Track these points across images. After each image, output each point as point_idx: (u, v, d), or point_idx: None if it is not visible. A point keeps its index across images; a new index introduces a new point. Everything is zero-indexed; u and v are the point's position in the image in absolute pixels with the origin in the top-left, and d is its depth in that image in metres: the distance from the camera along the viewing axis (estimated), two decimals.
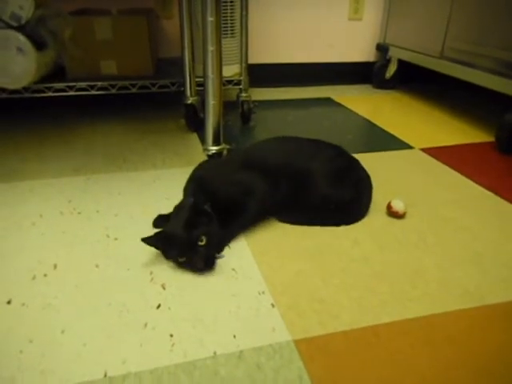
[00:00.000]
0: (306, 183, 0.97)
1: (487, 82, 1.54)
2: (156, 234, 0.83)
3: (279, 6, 2.10)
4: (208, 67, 0.98)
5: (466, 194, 1.16)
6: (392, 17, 2.15)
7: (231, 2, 1.54)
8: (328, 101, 2.03)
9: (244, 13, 1.54)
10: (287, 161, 0.99)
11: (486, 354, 0.66)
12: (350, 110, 1.88)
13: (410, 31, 2.02)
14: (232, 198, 0.91)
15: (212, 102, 1.01)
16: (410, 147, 1.47)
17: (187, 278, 0.80)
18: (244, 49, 1.59)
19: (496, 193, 1.15)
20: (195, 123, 1.52)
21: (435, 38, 1.81)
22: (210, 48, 0.95)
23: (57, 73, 1.51)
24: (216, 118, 1.04)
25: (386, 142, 1.52)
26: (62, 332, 0.68)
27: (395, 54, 2.13)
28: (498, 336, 0.69)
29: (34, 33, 1.36)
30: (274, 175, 0.96)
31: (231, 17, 1.56)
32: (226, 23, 1.56)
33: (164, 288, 0.77)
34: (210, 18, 0.93)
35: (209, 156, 1.09)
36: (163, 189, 1.14)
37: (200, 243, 0.80)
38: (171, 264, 0.84)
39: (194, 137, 1.51)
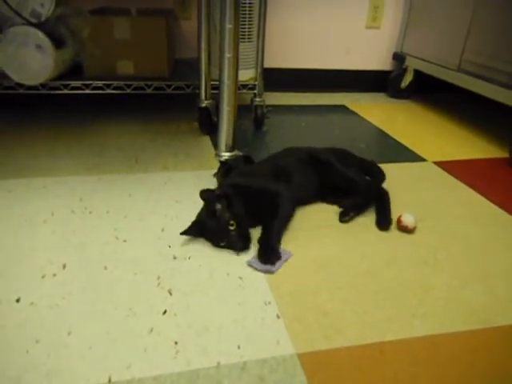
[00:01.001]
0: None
1: (503, 97, 1.52)
2: (191, 225, 0.92)
3: (297, 11, 2.10)
4: (224, 73, 0.98)
5: (477, 210, 1.15)
6: (410, 26, 2.13)
7: (250, 7, 1.54)
8: (342, 108, 2.03)
9: (262, 18, 1.54)
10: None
11: (490, 376, 0.65)
12: (364, 119, 1.87)
13: (427, 42, 2.01)
14: (263, 187, 0.98)
15: (227, 109, 1.02)
16: (422, 159, 1.46)
17: (194, 284, 0.81)
18: (260, 54, 1.59)
19: (507, 210, 1.14)
20: (208, 127, 1.52)
21: (453, 51, 1.80)
22: (227, 55, 0.96)
23: (74, 71, 1.52)
24: (230, 124, 1.04)
25: (398, 153, 1.51)
26: (69, 334, 0.68)
27: (412, 63, 2.12)
28: (503, 359, 0.69)
29: (54, 30, 1.37)
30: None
31: (249, 21, 1.56)
32: (244, 28, 1.56)
33: (171, 294, 0.78)
34: (229, 26, 0.93)
35: (221, 162, 1.09)
36: (174, 191, 1.15)
37: (231, 228, 0.88)
38: (179, 269, 0.85)
39: (207, 140, 1.52)
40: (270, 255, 0.87)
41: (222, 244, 0.90)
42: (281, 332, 0.71)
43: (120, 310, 0.73)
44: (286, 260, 0.89)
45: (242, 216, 0.91)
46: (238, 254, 0.90)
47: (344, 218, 1.03)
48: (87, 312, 0.73)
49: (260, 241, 0.91)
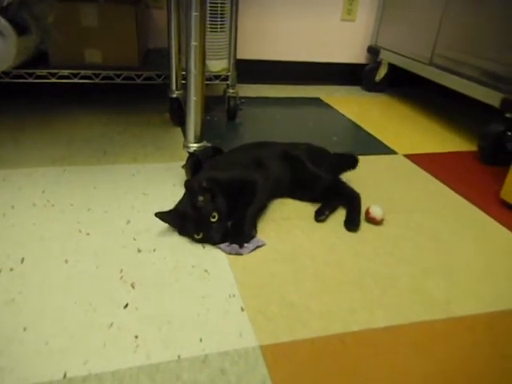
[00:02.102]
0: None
1: (472, 91, 1.55)
2: (169, 211, 0.90)
3: (272, 3, 2.08)
4: (191, 63, 0.96)
5: (444, 203, 1.17)
6: (385, 20, 2.14)
7: None
8: (316, 101, 2.03)
9: (234, 8, 1.52)
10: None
11: (450, 366, 0.66)
12: (338, 112, 1.87)
13: (401, 36, 2.02)
14: (241, 178, 0.97)
15: (194, 99, 1.00)
16: (393, 152, 1.48)
17: (158, 277, 0.79)
18: (233, 44, 1.57)
19: (474, 203, 1.16)
20: (180, 118, 1.50)
21: (425, 45, 1.82)
22: (194, 43, 0.94)
23: (40, 59, 1.47)
24: (198, 115, 1.02)
25: (370, 145, 1.52)
26: (24, 329, 0.66)
27: (386, 57, 2.13)
28: (463, 349, 0.70)
29: (16, 16, 1.32)
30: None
31: (221, 11, 1.54)
32: (216, 17, 1.54)
33: (133, 287, 0.76)
34: (195, 13, 0.91)
35: (190, 153, 1.07)
36: (141, 184, 1.12)
37: (213, 220, 0.86)
38: (143, 261, 0.83)
39: (178, 131, 1.50)
40: (239, 234, 0.89)
41: (198, 237, 0.88)
42: (244, 324, 0.70)
43: (79, 305, 0.71)
44: (258, 247, 0.89)
45: (224, 211, 0.89)
46: (204, 248, 0.89)
47: (320, 217, 1.01)
48: (45, 307, 0.70)
49: (232, 222, 0.91)
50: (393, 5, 2.09)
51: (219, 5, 1.52)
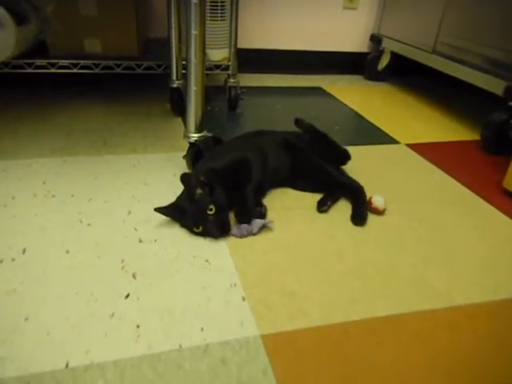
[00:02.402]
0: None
1: (475, 79, 1.53)
2: (169, 205, 0.90)
3: None
4: (191, 52, 0.95)
5: (446, 192, 1.16)
6: (387, 8, 2.12)
7: None
8: (318, 90, 2.01)
9: None
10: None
11: (451, 354, 0.66)
12: (340, 101, 1.86)
13: (404, 23, 2.00)
14: (234, 160, 0.97)
15: (194, 89, 0.99)
16: (395, 142, 1.47)
17: (159, 267, 0.79)
18: (234, 33, 1.55)
19: (477, 193, 1.16)
20: (180, 108, 1.49)
21: (428, 33, 1.79)
22: (194, 32, 0.92)
23: (39, 49, 1.46)
24: (198, 104, 1.01)
25: (372, 135, 1.51)
26: (26, 319, 0.66)
27: (388, 45, 2.11)
28: (463, 337, 0.70)
29: (15, 6, 1.31)
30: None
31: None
32: (217, 6, 1.52)
33: (134, 277, 0.76)
34: (194, 1, 0.89)
35: (190, 144, 1.07)
36: (142, 174, 1.12)
37: (210, 212, 0.85)
38: (144, 252, 0.83)
39: (179, 121, 1.49)
40: (244, 212, 0.91)
41: (198, 230, 0.87)
42: (245, 314, 0.70)
43: (81, 295, 0.72)
44: (266, 225, 0.91)
45: (223, 203, 0.88)
46: (205, 238, 0.88)
47: (322, 207, 1.01)
48: (46, 297, 0.71)
49: (237, 204, 0.93)
50: None
51: None
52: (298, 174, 1.08)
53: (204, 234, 0.88)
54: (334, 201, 1.04)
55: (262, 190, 1.04)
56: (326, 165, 1.07)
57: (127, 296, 0.72)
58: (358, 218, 0.99)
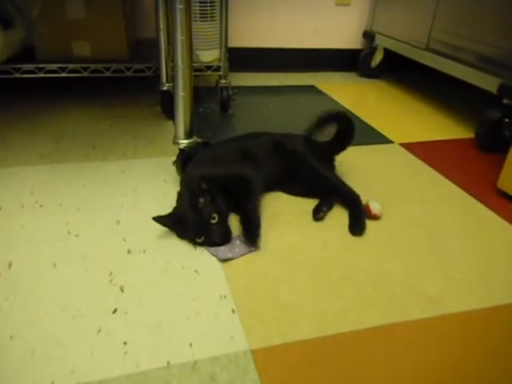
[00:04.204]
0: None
1: (469, 76, 1.52)
2: (168, 215, 0.87)
3: None
4: (178, 57, 0.93)
5: (440, 193, 1.15)
6: (380, 4, 2.09)
7: None
8: (311, 89, 1.99)
9: None
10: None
11: (445, 365, 0.66)
12: (333, 100, 1.84)
13: (397, 20, 1.98)
14: (234, 175, 0.96)
15: (182, 94, 0.97)
16: (389, 142, 1.45)
17: (148, 279, 0.78)
18: (224, 33, 1.53)
19: (471, 193, 1.14)
20: (171, 111, 1.46)
21: (421, 29, 1.77)
22: (180, 37, 0.91)
23: (26, 54, 1.43)
24: (187, 110, 1.00)
25: (365, 135, 1.50)
26: (11, 338, 0.65)
27: (381, 42, 2.09)
28: (457, 347, 0.69)
29: (0, 10, 1.28)
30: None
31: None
32: (206, 6, 1.50)
33: (122, 290, 0.75)
34: (180, 6, 0.88)
35: (180, 150, 1.05)
36: (131, 180, 1.10)
37: (213, 221, 0.84)
38: (132, 263, 0.82)
39: (170, 124, 1.47)
40: (253, 232, 0.88)
41: (200, 240, 0.85)
42: (235, 327, 0.69)
43: (67, 311, 0.70)
44: (249, 252, 0.87)
45: (225, 211, 0.88)
46: (195, 248, 0.87)
47: (318, 214, 0.98)
48: (32, 314, 0.69)
49: (243, 221, 0.91)
50: None
51: None
52: (291, 177, 1.06)
53: (205, 243, 0.86)
54: (329, 207, 1.02)
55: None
56: (322, 168, 1.05)
57: (115, 311, 0.71)
58: (357, 227, 0.97)
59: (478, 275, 0.85)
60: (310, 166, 1.05)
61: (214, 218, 0.84)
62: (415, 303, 0.76)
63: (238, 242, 0.87)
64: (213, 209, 0.85)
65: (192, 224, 0.84)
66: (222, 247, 0.85)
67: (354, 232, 0.96)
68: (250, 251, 0.86)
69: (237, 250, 0.85)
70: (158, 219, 0.87)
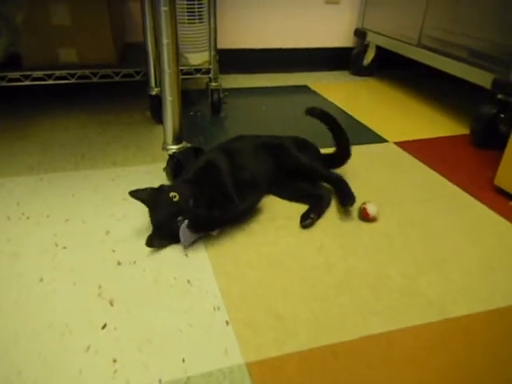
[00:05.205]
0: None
1: (462, 72, 1.50)
2: (151, 234, 0.86)
3: None
4: (164, 61, 0.91)
5: (436, 192, 1.13)
6: (370, 1, 2.07)
7: None
8: (304, 89, 1.97)
9: None
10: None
11: (447, 373, 0.63)
12: (326, 99, 1.82)
13: (387, 17, 1.96)
14: (200, 166, 0.94)
15: (170, 99, 0.95)
16: (383, 140, 1.43)
17: (138, 292, 0.75)
18: (213, 35, 1.50)
19: (467, 191, 1.13)
20: (161, 115, 1.44)
21: (413, 25, 1.76)
22: (165, 41, 0.88)
23: (11, 61, 1.40)
24: (175, 115, 0.97)
25: (359, 134, 1.48)
26: None
27: (373, 39, 2.07)
28: (459, 353, 0.67)
29: None
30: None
31: (199, 1, 1.47)
32: (194, 7, 1.47)
33: (112, 304, 0.72)
34: (164, 8, 0.85)
35: (170, 156, 1.03)
36: (121, 189, 1.07)
37: (175, 200, 0.84)
38: (122, 275, 0.79)
39: (160, 130, 1.42)
40: (226, 202, 0.87)
41: (179, 223, 0.83)
42: (229, 340, 0.67)
43: (55, 327, 0.68)
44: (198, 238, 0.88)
45: (184, 191, 0.86)
46: (185, 254, 0.85)
47: (305, 221, 0.95)
48: (18, 331, 0.67)
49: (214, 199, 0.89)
50: None
51: None
52: (282, 177, 1.04)
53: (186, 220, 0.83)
54: (319, 215, 0.98)
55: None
56: (303, 157, 1.05)
57: (104, 326, 0.68)
58: (347, 199, 0.98)
59: (478, 276, 0.83)
60: (291, 155, 1.05)
61: (174, 197, 0.84)
62: (415, 308, 0.74)
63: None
64: (166, 191, 0.86)
65: (164, 218, 0.84)
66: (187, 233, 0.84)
67: (346, 204, 0.98)
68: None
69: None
70: (151, 244, 0.85)
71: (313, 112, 1.14)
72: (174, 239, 0.85)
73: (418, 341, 0.68)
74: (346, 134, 1.12)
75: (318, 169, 1.05)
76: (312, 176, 1.05)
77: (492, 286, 0.81)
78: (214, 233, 0.90)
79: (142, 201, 0.89)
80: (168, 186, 0.89)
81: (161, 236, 0.86)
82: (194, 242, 0.88)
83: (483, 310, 0.75)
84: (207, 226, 0.87)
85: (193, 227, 0.84)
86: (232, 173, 0.93)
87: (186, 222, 0.83)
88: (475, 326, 0.71)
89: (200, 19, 1.49)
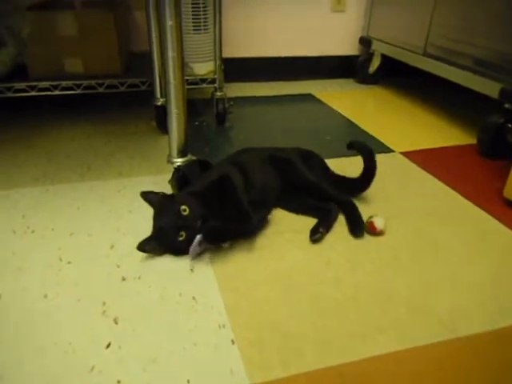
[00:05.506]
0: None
1: (469, 81, 1.49)
2: (148, 238, 0.86)
3: None
4: (169, 73, 0.91)
5: (444, 203, 1.12)
6: (376, 9, 2.07)
7: None
8: (309, 97, 1.96)
9: (217, 6, 1.45)
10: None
11: None
12: (331, 108, 1.81)
13: (393, 25, 1.95)
14: (213, 180, 0.92)
15: (175, 111, 0.94)
16: (389, 150, 1.42)
17: (143, 309, 0.75)
18: (218, 45, 1.51)
19: (476, 203, 1.11)
20: (166, 125, 1.44)
21: (418, 34, 1.75)
22: (171, 54, 0.88)
23: (18, 72, 1.41)
24: (181, 128, 0.97)
25: None
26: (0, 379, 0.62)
27: (378, 48, 2.06)
28: (471, 375, 0.65)
29: None
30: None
31: (204, 11, 1.47)
32: (199, 18, 1.47)
33: (116, 322, 0.72)
34: (170, 22, 0.85)
35: (175, 168, 1.02)
36: (127, 200, 1.07)
37: (184, 213, 0.83)
38: (127, 292, 0.78)
39: (165, 140, 1.41)
40: (240, 217, 0.86)
41: (182, 238, 0.83)
42: (235, 360, 0.66)
43: (59, 346, 0.67)
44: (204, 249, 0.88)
45: (193, 203, 0.85)
46: (190, 268, 0.84)
47: (315, 236, 0.94)
48: (21, 350, 0.66)
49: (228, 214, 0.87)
50: None
51: (201, 3, 1.45)
52: (288, 190, 1.03)
53: (188, 237, 0.83)
54: (328, 229, 0.97)
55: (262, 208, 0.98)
56: (310, 174, 1.04)
57: (108, 345, 0.67)
58: (358, 229, 0.97)
59: (488, 291, 0.82)
60: (298, 172, 1.04)
61: (184, 211, 0.83)
62: (424, 326, 0.73)
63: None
64: (179, 202, 0.85)
65: (167, 226, 0.84)
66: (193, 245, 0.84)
67: (356, 234, 0.96)
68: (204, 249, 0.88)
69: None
70: (142, 248, 0.85)
71: (353, 146, 1.12)
72: (169, 250, 0.87)
73: (427, 361, 0.67)
74: (375, 169, 1.09)
75: (327, 189, 1.03)
76: (320, 195, 1.03)
77: (503, 301, 0.79)
78: (226, 245, 0.89)
79: (151, 203, 0.90)
80: (181, 197, 0.89)
81: (157, 243, 0.86)
82: (199, 254, 0.87)
83: (494, 327, 0.73)
84: (220, 237, 0.87)
85: (206, 239, 0.83)
86: (246, 188, 0.92)
87: (200, 235, 0.83)
88: (487, 346, 0.70)
89: (205, 29, 1.49)
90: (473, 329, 0.73)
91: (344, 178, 1.12)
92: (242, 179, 0.94)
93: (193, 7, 1.44)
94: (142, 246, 0.85)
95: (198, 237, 0.82)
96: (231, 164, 1.00)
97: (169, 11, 0.83)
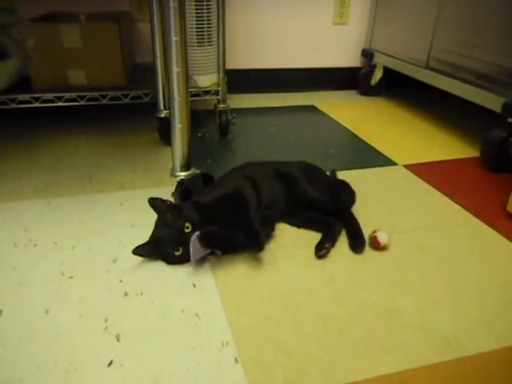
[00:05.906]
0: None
1: (471, 95, 1.49)
2: (145, 243, 0.87)
3: (260, 9, 2.02)
4: (173, 89, 0.91)
5: (448, 218, 1.11)
6: (378, 22, 2.08)
7: (208, 8, 1.46)
8: (311, 109, 1.97)
9: (221, 19, 1.46)
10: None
11: None
12: (334, 120, 1.82)
13: (395, 38, 1.97)
14: (224, 193, 0.93)
15: (179, 126, 0.94)
16: (393, 163, 1.42)
17: (145, 326, 0.74)
18: (221, 57, 1.51)
19: (480, 218, 1.10)
20: (169, 137, 1.43)
21: (421, 47, 1.76)
22: (176, 69, 0.88)
23: (22, 83, 1.41)
24: (184, 142, 0.97)
25: (368, 157, 1.46)
26: None
27: (380, 60, 2.07)
28: None
29: None
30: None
31: (208, 23, 1.48)
32: (203, 30, 1.48)
33: (118, 339, 0.71)
34: (175, 38, 0.85)
35: (178, 182, 1.02)
36: (129, 214, 1.07)
37: (187, 230, 0.84)
38: (129, 308, 0.77)
39: (168, 152, 1.42)
40: (251, 236, 0.86)
41: (178, 253, 0.84)
42: (239, 379, 0.65)
43: (60, 364, 0.66)
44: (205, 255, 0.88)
45: (197, 220, 0.85)
46: (193, 283, 0.83)
47: (320, 252, 0.93)
48: (22, 369, 0.65)
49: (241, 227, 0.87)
50: (385, 6, 2.03)
51: (205, 17, 1.46)
52: (292, 204, 1.03)
53: (185, 256, 0.84)
54: (333, 243, 0.97)
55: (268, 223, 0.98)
56: (312, 189, 1.04)
57: (110, 363, 0.66)
58: (358, 246, 0.96)
59: (494, 309, 0.81)
60: (301, 188, 1.04)
61: (187, 228, 0.84)
62: (430, 345, 0.72)
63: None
64: (183, 218, 0.85)
65: (167, 239, 0.85)
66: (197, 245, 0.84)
67: (357, 251, 0.95)
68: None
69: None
70: (137, 251, 0.86)
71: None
72: (163, 259, 0.88)
73: (433, 380, 0.66)
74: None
75: (329, 207, 1.03)
76: (322, 211, 1.03)
77: (509, 319, 0.78)
78: (219, 252, 0.88)
79: (157, 210, 0.91)
80: (187, 211, 0.87)
81: (153, 249, 0.87)
82: (201, 260, 0.88)
83: (501, 346, 0.72)
84: (216, 243, 0.87)
85: (202, 240, 0.83)
86: (258, 205, 0.93)
87: (197, 233, 0.83)
88: (494, 365, 0.69)
89: (209, 42, 1.50)
90: (478, 348, 0.72)
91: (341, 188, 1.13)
92: (254, 195, 0.94)
93: (197, 21, 1.45)
94: (138, 250, 0.86)
95: (196, 233, 0.83)
96: (244, 178, 1.00)
97: (174, 25, 0.84)
